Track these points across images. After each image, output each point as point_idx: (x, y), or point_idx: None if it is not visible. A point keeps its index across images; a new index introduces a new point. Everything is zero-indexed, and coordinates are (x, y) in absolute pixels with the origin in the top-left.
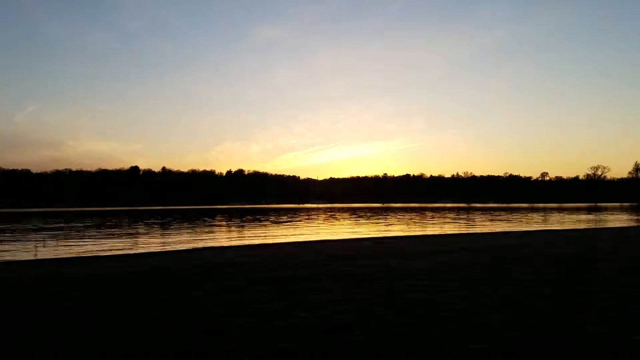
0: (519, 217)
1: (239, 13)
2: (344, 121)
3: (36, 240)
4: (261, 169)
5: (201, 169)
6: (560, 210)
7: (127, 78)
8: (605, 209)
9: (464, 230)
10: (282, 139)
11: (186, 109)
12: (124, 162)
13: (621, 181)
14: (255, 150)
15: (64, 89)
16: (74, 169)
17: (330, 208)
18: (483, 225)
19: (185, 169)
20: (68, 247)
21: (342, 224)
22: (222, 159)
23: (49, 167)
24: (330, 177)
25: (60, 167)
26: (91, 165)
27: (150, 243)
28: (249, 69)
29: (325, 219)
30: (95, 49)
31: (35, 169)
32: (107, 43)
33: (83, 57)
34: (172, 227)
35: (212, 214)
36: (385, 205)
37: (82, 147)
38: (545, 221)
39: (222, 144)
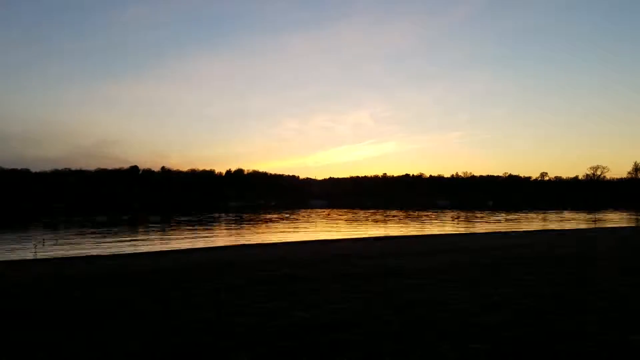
0: (518, 217)
1: None
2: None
3: (36, 240)
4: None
5: (223, 163)
6: (559, 210)
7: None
8: (605, 209)
9: (463, 230)
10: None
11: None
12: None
13: (620, 181)
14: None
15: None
16: (73, 168)
17: (329, 208)
18: (483, 226)
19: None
20: (68, 247)
21: (341, 224)
22: (255, 153)
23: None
24: (330, 177)
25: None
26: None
27: (151, 243)
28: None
29: (324, 219)
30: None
31: (35, 168)
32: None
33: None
34: (172, 227)
35: (212, 214)
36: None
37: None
38: (544, 221)
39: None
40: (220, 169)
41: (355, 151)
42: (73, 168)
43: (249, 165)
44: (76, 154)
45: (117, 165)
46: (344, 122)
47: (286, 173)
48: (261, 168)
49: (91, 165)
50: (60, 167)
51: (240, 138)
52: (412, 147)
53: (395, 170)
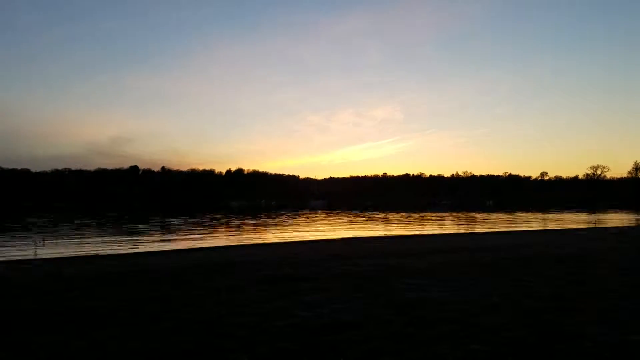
0: (518, 217)
1: None
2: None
3: (36, 240)
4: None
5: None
6: (559, 210)
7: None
8: (605, 208)
9: (463, 230)
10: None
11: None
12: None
13: (621, 181)
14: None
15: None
16: (73, 168)
17: (329, 208)
18: (483, 225)
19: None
20: (68, 247)
21: (342, 224)
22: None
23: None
24: (330, 177)
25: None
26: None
27: (151, 243)
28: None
29: (325, 219)
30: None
31: (35, 167)
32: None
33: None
34: (172, 227)
35: (212, 214)
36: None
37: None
38: (544, 221)
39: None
40: (225, 168)
41: (373, 149)
42: (73, 168)
43: (259, 164)
44: (79, 154)
45: (120, 165)
46: (371, 117)
47: (297, 173)
48: (271, 167)
49: (93, 165)
50: (60, 166)
51: (254, 135)
52: (413, 148)
53: (396, 169)
